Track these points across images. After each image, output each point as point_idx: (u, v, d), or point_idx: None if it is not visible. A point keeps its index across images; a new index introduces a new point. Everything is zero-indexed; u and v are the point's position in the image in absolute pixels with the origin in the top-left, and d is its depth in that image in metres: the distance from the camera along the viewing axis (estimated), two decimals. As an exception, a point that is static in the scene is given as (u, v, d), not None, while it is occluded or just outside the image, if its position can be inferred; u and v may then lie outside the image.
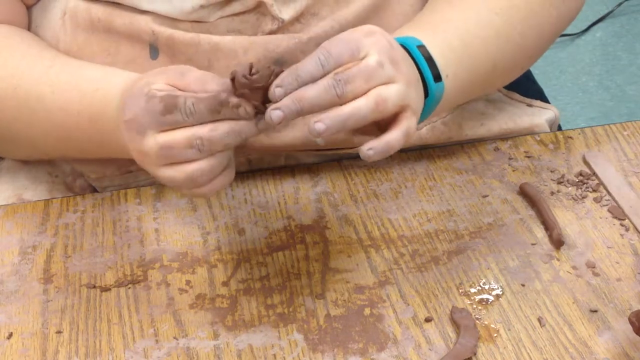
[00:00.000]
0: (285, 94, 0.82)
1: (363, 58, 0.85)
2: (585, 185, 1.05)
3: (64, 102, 0.98)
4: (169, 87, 0.86)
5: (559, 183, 1.06)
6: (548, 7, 1.06)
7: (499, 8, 1.02)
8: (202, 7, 1.00)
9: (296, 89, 0.83)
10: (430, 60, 0.93)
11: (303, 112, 0.83)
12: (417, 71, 0.91)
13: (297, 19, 1.03)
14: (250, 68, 0.83)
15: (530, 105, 1.18)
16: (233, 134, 0.84)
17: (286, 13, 1.02)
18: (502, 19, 1.02)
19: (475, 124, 1.12)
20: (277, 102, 0.82)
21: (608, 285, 0.93)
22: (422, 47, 0.93)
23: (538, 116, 1.16)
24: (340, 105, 0.83)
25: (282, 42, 1.02)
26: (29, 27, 1.07)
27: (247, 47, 1.01)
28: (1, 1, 1.05)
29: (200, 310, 0.93)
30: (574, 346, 0.87)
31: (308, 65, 0.83)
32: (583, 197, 1.04)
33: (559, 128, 1.21)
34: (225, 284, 0.95)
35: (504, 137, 1.13)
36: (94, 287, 0.96)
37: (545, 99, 1.23)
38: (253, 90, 0.83)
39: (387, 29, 1.05)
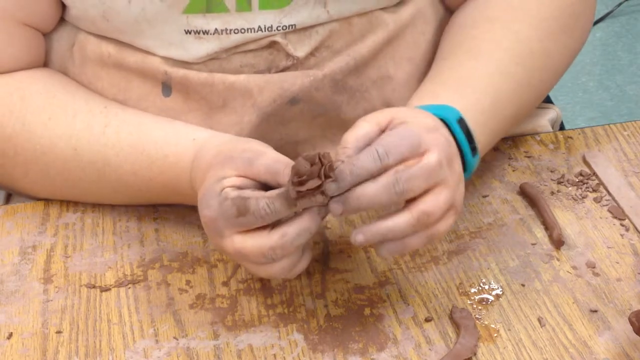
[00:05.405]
0: (340, 189, 0.82)
1: (423, 153, 0.84)
2: (585, 185, 1.05)
3: (132, 167, 0.98)
4: (240, 181, 0.85)
5: (559, 183, 1.06)
6: (561, 47, 1.05)
7: (520, 57, 1.01)
8: (216, 52, 1.00)
9: (351, 183, 0.82)
10: (467, 132, 0.92)
11: (361, 208, 0.83)
12: (457, 150, 0.90)
13: (312, 53, 1.02)
14: (295, 166, 0.81)
15: None
16: (303, 234, 0.84)
17: (301, 50, 1.01)
18: (523, 69, 1.01)
19: None
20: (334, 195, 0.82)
21: (608, 285, 0.93)
22: (461, 121, 0.92)
23: (541, 117, 1.16)
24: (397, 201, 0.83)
25: (297, 79, 1.01)
26: None
27: (262, 87, 1.00)
28: (19, 37, 1.02)
29: (200, 310, 0.93)
30: (574, 346, 0.87)
31: (364, 160, 0.82)
32: (583, 197, 1.04)
33: (562, 127, 1.21)
34: (225, 284, 0.95)
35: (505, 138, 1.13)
36: (94, 287, 0.96)
37: (548, 99, 1.22)
38: (311, 180, 0.82)
39: (400, 58, 1.04)
